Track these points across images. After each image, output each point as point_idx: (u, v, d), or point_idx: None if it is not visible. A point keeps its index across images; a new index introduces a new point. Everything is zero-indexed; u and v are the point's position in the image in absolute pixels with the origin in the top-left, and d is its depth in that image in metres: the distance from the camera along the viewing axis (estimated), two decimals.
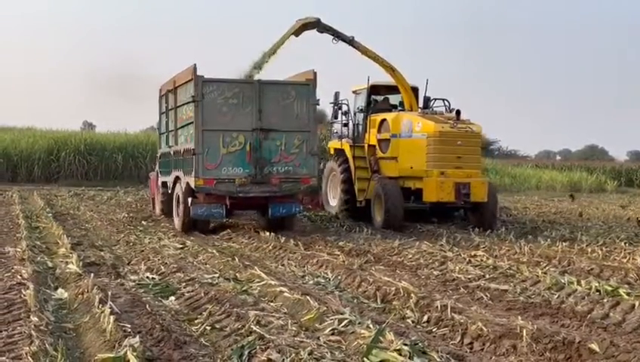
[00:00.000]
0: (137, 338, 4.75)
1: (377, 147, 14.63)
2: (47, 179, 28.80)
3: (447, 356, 4.78)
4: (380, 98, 15.63)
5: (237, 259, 8.87)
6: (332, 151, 16.12)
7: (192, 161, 11.72)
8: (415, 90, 14.83)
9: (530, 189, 33.46)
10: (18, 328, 5.18)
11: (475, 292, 7.24)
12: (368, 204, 14.07)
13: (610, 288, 7.00)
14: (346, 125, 15.54)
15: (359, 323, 5.31)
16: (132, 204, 18.67)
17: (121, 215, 15.32)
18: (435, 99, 14.83)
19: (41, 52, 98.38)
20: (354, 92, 15.85)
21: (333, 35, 14.34)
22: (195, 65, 11.76)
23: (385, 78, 14.90)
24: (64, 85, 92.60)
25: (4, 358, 4.51)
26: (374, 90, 15.35)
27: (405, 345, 4.67)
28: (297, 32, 14.25)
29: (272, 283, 7.08)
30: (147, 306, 6.07)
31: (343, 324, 5.34)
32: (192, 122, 11.91)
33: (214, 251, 9.69)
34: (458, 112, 13.58)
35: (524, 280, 7.79)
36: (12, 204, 17.78)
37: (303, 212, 14.46)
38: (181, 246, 10.50)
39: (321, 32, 14.32)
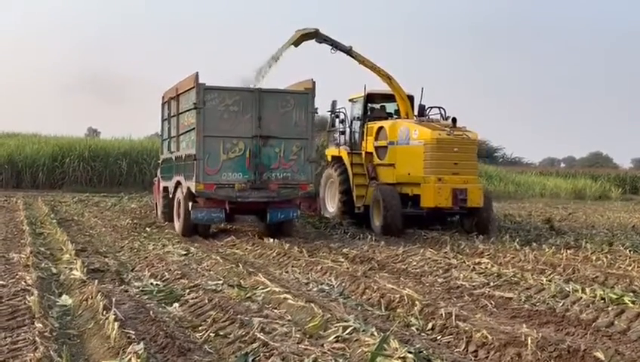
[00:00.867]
0: (141, 345, 4.75)
1: (375, 154, 14.86)
2: (52, 185, 28.79)
3: None
4: (376, 106, 15.87)
5: (241, 266, 8.86)
6: (329, 159, 16.27)
7: (193, 166, 11.92)
8: (411, 98, 15.12)
9: (534, 196, 33.42)
10: (22, 334, 5.19)
11: (479, 300, 7.23)
12: (366, 210, 14.28)
13: (615, 296, 6.98)
14: (343, 133, 15.80)
15: (363, 331, 5.30)
16: (136, 210, 18.67)
17: (126, 221, 15.34)
18: (431, 107, 15.02)
19: (42, 54, 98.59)
20: (351, 100, 16.06)
21: (331, 45, 14.63)
22: (197, 73, 11.97)
23: (381, 87, 15.15)
24: (67, 92, 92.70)
25: None
26: (371, 98, 15.60)
27: (410, 352, 4.65)
28: (297, 42, 14.50)
29: (276, 290, 7.08)
30: (151, 313, 6.06)
31: (347, 332, 5.33)
32: (193, 128, 12.11)
33: (218, 258, 9.69)
34: (454, 120, 13.85)
35: (528, 287, 7.78)
36: (17, 210, 17.79)
37: (300, 219, 14.53)
38: (185, 252, 10.51)
39: (320, 42, 14.59)
